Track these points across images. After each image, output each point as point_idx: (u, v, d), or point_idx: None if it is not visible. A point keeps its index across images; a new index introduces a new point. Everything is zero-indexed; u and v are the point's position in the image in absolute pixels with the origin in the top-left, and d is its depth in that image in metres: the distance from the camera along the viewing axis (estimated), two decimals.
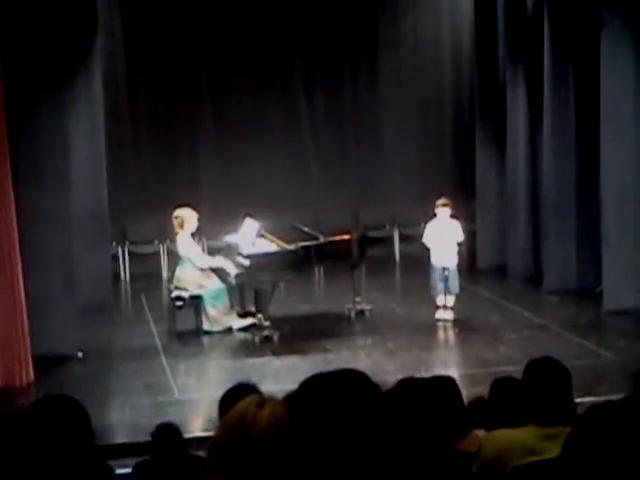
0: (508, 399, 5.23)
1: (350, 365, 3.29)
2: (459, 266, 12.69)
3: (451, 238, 12.43)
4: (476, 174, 16.16)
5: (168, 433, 6.15)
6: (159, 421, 6.51)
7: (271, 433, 2.84)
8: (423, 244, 12.68)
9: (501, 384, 5.51)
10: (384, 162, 17.37)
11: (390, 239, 17.19)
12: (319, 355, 11.14)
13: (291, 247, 12.11)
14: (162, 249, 16.26)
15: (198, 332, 12.29)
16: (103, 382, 10.55)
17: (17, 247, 10.39)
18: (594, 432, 2.57)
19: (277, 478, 2.78)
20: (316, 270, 15.01)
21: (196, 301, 12.30)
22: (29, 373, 10.48)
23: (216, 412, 5.23)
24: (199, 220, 12.57)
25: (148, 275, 16.01)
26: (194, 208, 12.65)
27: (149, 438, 6.21)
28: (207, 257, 12.61)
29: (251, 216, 12.60)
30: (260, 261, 11.83)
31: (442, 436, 4.38)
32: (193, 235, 12.66)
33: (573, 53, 13.34)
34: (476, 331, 12.06)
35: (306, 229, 12.97)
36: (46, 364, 10.74)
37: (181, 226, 12.45)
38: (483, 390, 5.70)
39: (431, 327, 12.31)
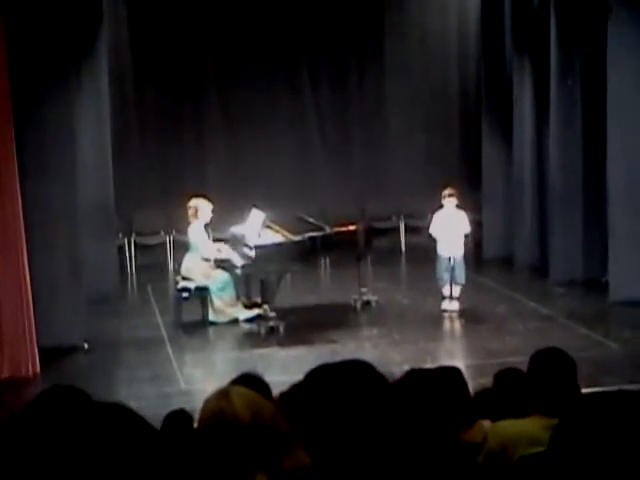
0: (511, 390, 5.23)
1: (356, 356, 3.30)
2: (465, 256, 12.70)
3: (458, 229, 12.43)
4: (482, 165, 16.15)
5: (180, 420, 6.06)
6: (165, 411, 6.48)
7: (255, 413, 2.88)
8: (430, 235, 12.68)
9: (504, 375, 5.52)
10: (390, 153, 17.35)
11: (396, 230, 17.18)
12: (325, 346, 11.15)
13: (297, 238, 12.11)
14: (168, 240, 16.26)
15: (204, 323, 12.32)
16: (109, 373, 10.59)
17: (23, 238, 10.41)
18: (582, 424, 2.57)
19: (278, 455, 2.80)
20: (322, 261, 15.00)
21: (202, 292, 12.32)
22: (35, 364, 10.51)
23: None
24: (213, 212, 12.59)
25: (154, 266, 16.02)
26: (208, 199, 12.67)
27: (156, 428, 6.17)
28: (215, 251, 12.57)
29: (257, 207, 12.60)
30: (266, 252, 11.83)
31: (448, 426, 4.39)
32: (206, 226, 12.67)
33: (579, 44, 13.31)
34: (482, 322, 12.06)
35: (312, 220, 12.96)
36: (52, 355, 10.77)
37: (195, 215, 12.48)
38: (489, 381, 5.71)
39: (437, 318, 12.32)
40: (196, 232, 12.49)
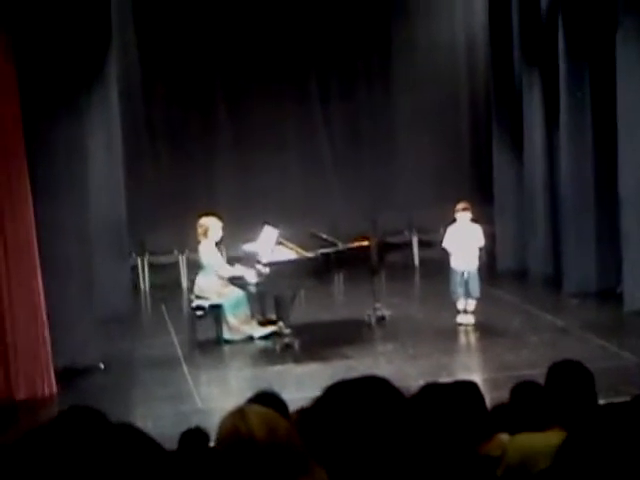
0: (528, 403, 5.21)
1: (372, 371, 3.29)
2: (479, 269, 12.67)
3: (472, 242, 12.41)
4: (494, 177, 16.11)
5: (195, 438, 6.05)
6: (182, 430, 6.46)
7: (271, 431, 2.88)
8: (443, 249, 12.66)
9: (521, 389, 5.50)
10: (401, 167, 17.34)
11: (409, 244, 17.16)
12: (340, 362, 11.13)
13: (310, 254, 12.11)
14: (181, 259, 16.27)
15: (219, 341, 12.31)
16: (125, 392, 10.58)
17: (37, 259, 10.44)
18: (589, 438, 2.56)
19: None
20: (335, 277, 14.95)
21: (216, 310, 12.31)
22: (52, 385, 10.51)
23: None
24: (223, 229, 12.59)
25: (168, 285, 16.03)
26: (219, 217, 12.68)
27: (173, 448, 6.16)
28: (228, 266, 12.57)
29: (270, 224, 12.60)
30: (280, 269, 11.83)
31: (466, 441, 4.37)
32: (217, 244, 12.66)
33: (588, 55, 13.28)
34: (497, 335, 12.02)
35: (325, 236, 12.96)
36: (68, 375, 10.78)
37: (205, 234, 12.48)
38: (505, 394, 5.68)
39: (452, 332, 12.28)
40: (207, 251, 12.48)
